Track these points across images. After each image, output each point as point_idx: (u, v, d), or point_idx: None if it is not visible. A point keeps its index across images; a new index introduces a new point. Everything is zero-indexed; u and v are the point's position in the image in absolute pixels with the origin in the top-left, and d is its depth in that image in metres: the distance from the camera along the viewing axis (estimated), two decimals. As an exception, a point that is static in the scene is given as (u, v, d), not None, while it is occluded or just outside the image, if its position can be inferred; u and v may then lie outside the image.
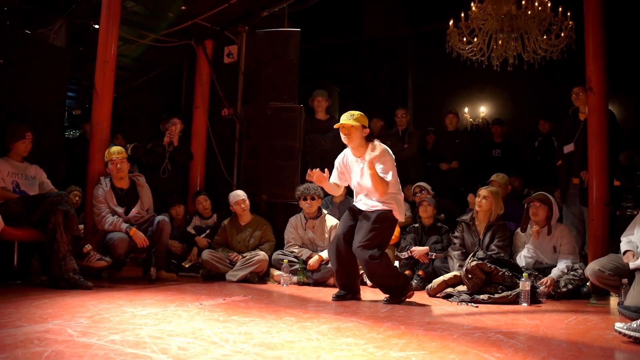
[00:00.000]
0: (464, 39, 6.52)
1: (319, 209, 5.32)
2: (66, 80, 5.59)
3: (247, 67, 6.60)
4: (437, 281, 4.47)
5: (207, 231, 5.65)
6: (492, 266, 4.17)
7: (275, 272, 5.14)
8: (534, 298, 4.06)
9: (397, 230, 5.16)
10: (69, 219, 4.18)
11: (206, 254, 5.21)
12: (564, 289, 4.34)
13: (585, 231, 5.28)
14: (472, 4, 6.37)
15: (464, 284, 4.31)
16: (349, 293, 4.11)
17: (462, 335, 2.75)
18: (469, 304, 3.97)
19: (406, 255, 5.13)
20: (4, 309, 2.99)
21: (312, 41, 8.24)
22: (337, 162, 4.27)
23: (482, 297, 4.08)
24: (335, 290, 4.21)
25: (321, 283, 4.99)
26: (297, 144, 5.93)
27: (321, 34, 9.01)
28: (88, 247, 4.34)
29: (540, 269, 4.55)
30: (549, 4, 6.24)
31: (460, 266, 4.56)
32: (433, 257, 5.11)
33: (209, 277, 5.21)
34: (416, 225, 5.37)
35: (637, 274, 3.67)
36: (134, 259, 5.54)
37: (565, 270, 4.45)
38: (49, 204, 4.15)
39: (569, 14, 6.26)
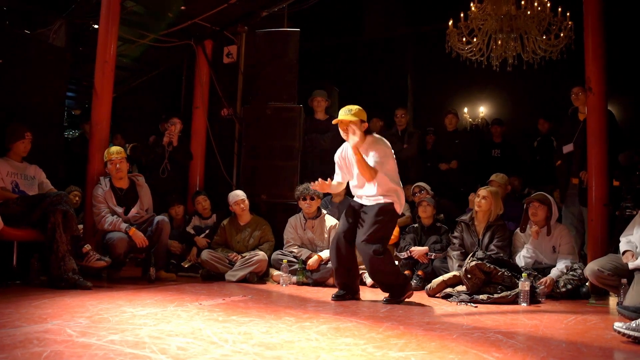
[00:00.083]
0: (464, 39, 6.52)
1: (319, 209, 5.32)
2: (66, 80, 5.59)
3: (246, 67, 6.60)
4: (436, 281, 4.47)
5: (207, 231, 5.65)
6: (492, 266, 4.17)
7: (275, 272, 5.14)
8: (533, 298, 4.06)
9: (396, 230, 5.17)
10: (68, 219, 4.18)
11: (205, 254, 5.21)
12: (563, 289, 4.35)
13: (585, 231, 5.28)
14: (471, 4, 6.37)
15: (463, 284, 4.31)
16: (348, 293, 4.10)
17: (462, 335, 2.75)
18: (468, 304, 3.97)
19: (405, 256, 5.13)
20: (3, 309, 2.99)
21: (312, 41, 8.24)
22: (337, 157, 4.27)
23: (481, 297, 4.08)
24: (334, 290, 4.21)
25: (320, 283, 4.99)
26: (296, 144, 5.93)
27: (321, 34, 9.01)
28: (87, 247, 4.34)
29: (540, 269, 4.56)
30: (549, 4, 6.24)
31: (460, 266, 4.56)
32: (432, 257, 5.11)
33: (208, 277, 5.21)
34: (415, 225, 5.38)
35: (636, 274, 3.68)
36: (134, 259, 5.54)
37: (565, 271, 4.45)
38: (48, 204, 4.15)
39: (568, 14, 6.26)
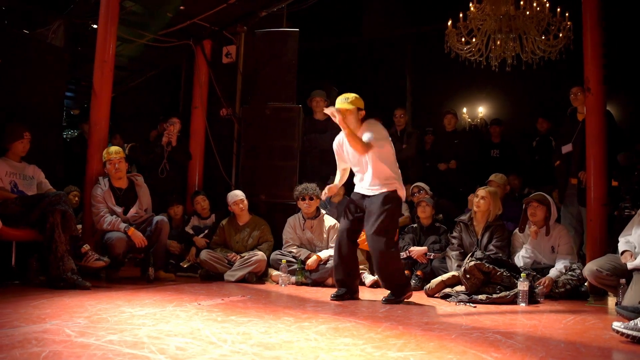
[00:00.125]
0: (463, 39, 6.53)
1: (318, 209, 5.32)
2: (64, 80, 5.60)
3: (245, 67, 6.60)
4: (435, 281, 4.47)
5: (206, 231, 5.65)
6: (491, 266, 4.17)
7: (274, 272, 5.14)
8: (532, 298, 4.06)
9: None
10: (67, 219, 4.18)
11: (204, 254, 5.21)
12: (562, 289, 4.35)
13: (583, 231, 5.28)
14: (470, 5, 6.38)
15: (462, 284, 4.32)
16: (347, 292, 4.10)
17: (460, 336, 2.75)
18: (467, 304, 3.97)
19: (404, 256, 5.12)
20: (2, 309, 2.98)
21: (311, 41, 8.23)
22: (335, 146, 4.27)
23: (480, 297, 4.08)
24: (333, 291, 4.21)
25: (319, 283, 4.99)
26: (295, 144, 5.93)
27: (320, 34, 9.01)
28: (86, 247, 4.33)
29: (539, 269, 4.56)
30: (547, 5, 6.25)
31: (459, 266, 4.56)
32: (431, 257, 5.12)
33: (207, 277, 5.21)
34: (414, 225, 5.38)
35: (634, 274, 3.68)
36: (133, 259, 5.53)
37: (563, 271, 4.45)
38: (47, 204, 4.15)
39: (567, 14, 6.27)
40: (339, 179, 4.35)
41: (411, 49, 9.65)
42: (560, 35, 6.28)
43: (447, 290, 4.37)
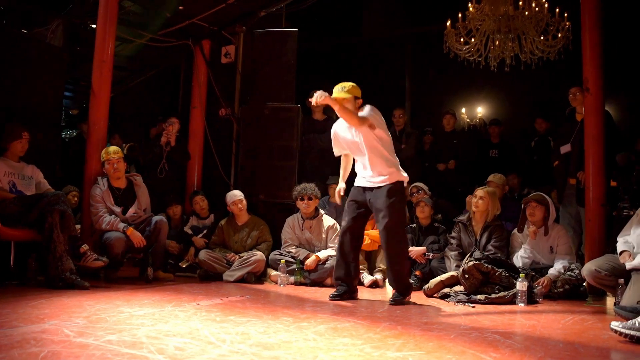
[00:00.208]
0: (462, 39, 6.53)
1: (316, 209, 5.32)
2: (63, 80, 5.58)
3: (244, 67, 6.60)
4: (434, 281, 4.47)
5: (204, 231, 5.64)
6: (489, 266, 4.18)
7: (273, 272, 5.14)
8: (531, 298, 4.07)
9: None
10: (66, 219, 4.17)
11: (203, 254, 5.21)
12: (561, 289, 4.35)
13: (582, 231, 5.29)
14: (469, 5, 6.38)
15: (461, 284, 4.32)
16: (346, 292, 4.10)
17: (459, 336, 2.75)
18: (466, 304, 3.97)
19: (403, 256, 5.13)
20: (1, 309, 2.98)
21: (310, 41, 8.24)
22: (332, 133, 4.29)
23: (479, 297, 4.08)
24: (332, 291, 4.21)
25: (318, 283, 4.99)
26: (294, 144, 5.93)
27: (319, 34, 9.01)
28: (85, 247, 4.33)
29: (537, 269, 4.56)
30: (546, 5, 6.26)
31: (457, 266, 4.56)
32: (430, 257, 5.12)
33: (206, 277, 5.20)
34: (413, 225, 5.38)
35: (633, 274, 3.69)
36: (131, 259, 5.53)
37: (562, 271, 4.45)
38: (45, 204, 4.14)
39: (566, 14, 6.27)
40: (343, 170, 4.34)
41: (410, 49, 9.65)
42: (559, 35, 6.29)
43: (446, 290, 4.37)
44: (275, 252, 5.27)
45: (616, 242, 4.02)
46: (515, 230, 4.84)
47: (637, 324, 2.64)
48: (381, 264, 5.20)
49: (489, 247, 4.68)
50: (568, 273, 4.43)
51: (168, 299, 3.70)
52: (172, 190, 5.97)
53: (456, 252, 4.84)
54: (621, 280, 3.77)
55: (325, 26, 9.11)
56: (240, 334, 2.56)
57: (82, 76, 6.84)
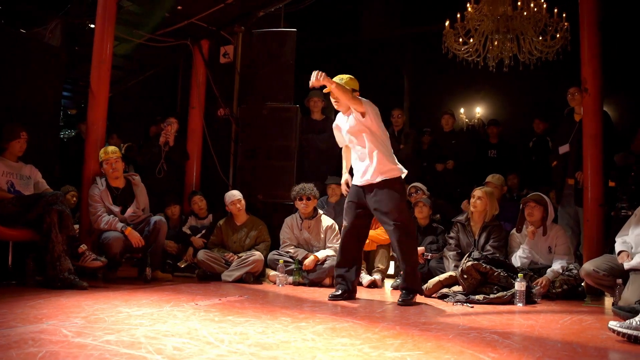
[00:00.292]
0: (460, 39, 6.54)
1: (315, 209, 5.32)
2: (61, 80, 5.58)
3: (243, 67, 6.59)
4: (432, 281, 4.48)
5: (203, 231, 5.64)
6: (488, 266, 4.18)
7: (271, 273, 5.13)
8: (529, 298, 4.07)
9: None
10: (64, 219, 4.17)
11: (202, 254, 5.21)
12: (559, 290, 4.36)
13: (580, 232, 5.29)
14: (468, 5, 6.39)
15: (459, 284, 4.32)
16: (345, 292, 4.10)
17: (458, 336, 2.75)
18: (465, 304, 3.97)
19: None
20: (-1, 309, 2.98)
21: (309, 41, 8.24)
22: (334, 126, 4.30)
23: (477, 297, 4.08)
24: (330, 291, 4.21)
25: (317, 283, 4.99)
26: (293, 144, 5.93)
27: (318, 34, 9.02)
28: (83, 247, 4.32)
29: (536, 270, 4.57)
30: (545, 5, 6.27)
31: (456, 266, 4.57)
32: (429, 257, 5.13)
33: (204, 277, 5.20)
34: (412, 224, 5.37)
35: (631, 274, 3.70)
36: (130, 259, 5.53)
37: (561, 271, 4.46)
38: (44, 204, 4.14)
39: (564, 15, 6.29)
40: (345, 161, 4.35)
41: (409, 50, 9.66)
42: (558, 36, 6.30)
43: (445, 290, 4.38)
44: (274, 252, 5.27)
45: (614, 242, 4.02)
46: (514, 231, 4.84)
47: (634, 324, 2.65)
48: (380, 264, 5.21)
49: (488, 247, 4.69)
50: (566, 273, 4.43)
51: (166, 299, 3.70)
52: (170, 190, 5.97)
53: (455, 252, 4.84)
54: (619, 281, 3.78)
55: (324, 26, 9.12)
56: (238, 334, 2.56)
57: (80, 76, 6.83)
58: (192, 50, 6.59)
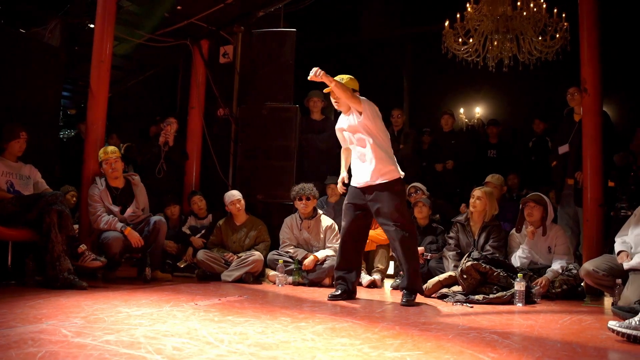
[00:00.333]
0: (460, 39, 6.54)
1: (314, 209, 5.31)
2: (61, 80, 5.58)
3: (242, 67, 6.59)
4: (432, 281, 4.48)
5: (203, 231, 5.64)
6: (487, 266, 4.18)
7: (271, 273, 5.13)
8: (529, 298, 4.07)
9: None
10: (64, 219, 4.17)
11: (201, 254, 5.21)
12: (559, 290, 4.36)
13: (580, 232, 5.29)
14: (467, 5, 6.39)
15: (459, 285, 4.32)
16: (344, 292, 4.10)
17: (457, 336, 2.75)
18: (464, 304, 3.97)
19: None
20: (-2, 309, 2.98)
21: (308, 41, 8.24)
22: (337, 127, 4.28)
23: (477, 297, 4.08)
24: (330, 291, 4.21)
25: (316, 283, 4.99)
26: (292, 144, 5.92)
27: (318, 34, 9.02)
28: (83, 247, 4.32)
29: (535, 270, 4.57)
30: (544, 6, 6.27)
31: (456, 266, 4.57)
32: (428, 257, 5.13)
33: (204, 277, 5.20)
34: (413, 225, 5.37)
35: (630, 274, 3.70)
36: (130, 259, 5.53)
37: (560, 271, 4.46)
38: (43, 204, 4.14)
39: (564, 15, 6.29)
40: (344, 161, 4.34)
41: (408, 50, 9.66)
42: (557, 36, 6.30)
43: (444, 290, 4.38)
44: (274, 252, 5.27)
45: (614, 242, 4.02)
46: (514, 231, 4.84)
47: (634, 323, 2.65)
48: (379, 264, 5.20)
49: (487, 247, 4.69)
50: (566, 273, 4.43)
51: (166, 299, 3.70)
52: (170, 190, 5.96)
53: (454, 252, 4.84)
54: (619, 281, 3.78)
55: (324, 26, 9.12)
56: (238, 334, 2.56)
57: (80, 76, 6.83)
58: (191, 50, 6.59)
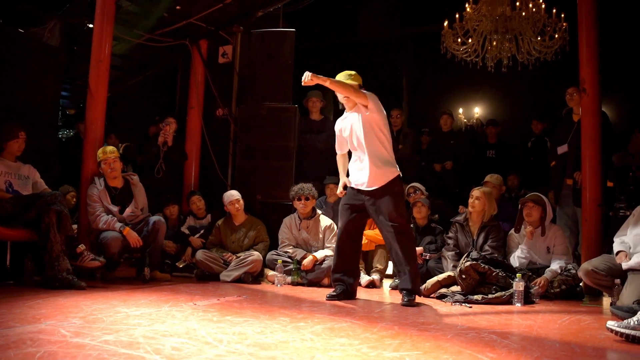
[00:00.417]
0: (459, 40, 6.55)
1: (313, 209, 5.32)
2: (60, 80, 5.57)
3: (241, 67, 6.59)
4: (431, 281, 4.48)
5: (201, 231, 5.64)
6: (486, 267, 4.18)
7: (270, 272, 5.13)
8: (528, 298, 4.07)
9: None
10: (63, 219, 4.16)
11: (200, 254, 5.20)
12: (558, 290, 4.36)
13: (579, 232, 5.30)
14: (466, 5, 6.39)
15: (458, 285, 4.32)
16: (343, 293, 4.10)
17: (456, 336, 2.75)
18: (463, 304, 3.98)
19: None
20: (-3, 309, 2.98)
21: (308, 41, 8.24)
22: (336, 128, 4.27)
23: (475, 297, 4.09)
24: (329, 291, 4.21)
25: (315, 283, 4.99)
26: (291, 144, 5.92)
27: (317, 34, 9.01)
28: (82, 247, 4.32)
29: (534, 270, 4.57)
30: (543, 6, 6.27)
31: (454, 267, 4.57)
32: (427, 257, 5.13)
33: (203, 277, 5.20)
34: (410, 225, 5.38)
35: (629, 274, 3.70)
36: (128, 259, 5.53)
37: (559, 271, 4.46)
38: (42, 204, 4.14)
39: (562, 15, 6.29)
40: (342, 167, 4.33)
41: (407, 50, 9.66)
42: (556, 36, 6.30)
43: (443, 290, 4.38)
44: (273, 252, 5.27)
45: (612, 242, 4.03)
46: (512, 231, 4.85)
47: (632, 323, 2.65)
48: (378, 264, 5.21)
49: (486, 247, 4.69)
50: (565, 273, 4.44)
51: (165, 299, 3.69)
52: (169, 190, 5.96)
53: (453, 253, 4.85)
54: (617, 281, 3.79)
55: (323, 26, 9.11)
56: (237, 334, 2.56)
57: (79, 76, 6.82)
58: (190, 50, 6.59)
